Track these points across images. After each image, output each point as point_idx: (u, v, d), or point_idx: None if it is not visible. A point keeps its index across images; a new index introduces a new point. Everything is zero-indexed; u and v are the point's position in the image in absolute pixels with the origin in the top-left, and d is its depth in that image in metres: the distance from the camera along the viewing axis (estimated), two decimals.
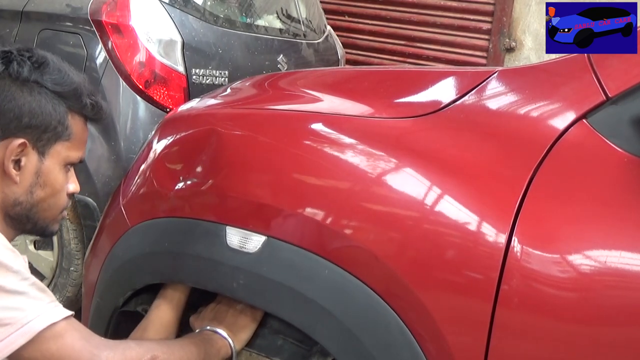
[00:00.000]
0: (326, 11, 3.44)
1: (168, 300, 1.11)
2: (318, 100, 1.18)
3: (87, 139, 0.99)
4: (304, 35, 2.80)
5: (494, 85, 0.98)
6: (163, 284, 1.15)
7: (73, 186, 0.99)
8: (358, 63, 4.41)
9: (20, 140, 0.88)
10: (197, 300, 1.16)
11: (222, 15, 2.28)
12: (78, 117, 0.95)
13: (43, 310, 0.82)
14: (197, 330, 1.07)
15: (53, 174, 0.92)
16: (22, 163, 0.89)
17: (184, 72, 2.03)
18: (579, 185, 0.79)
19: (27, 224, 0.94)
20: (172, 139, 1.19)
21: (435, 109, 0.96)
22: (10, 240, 0.94)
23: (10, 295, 0.80)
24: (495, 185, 0.83)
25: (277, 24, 2.64)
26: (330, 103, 1.13)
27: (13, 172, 0.88)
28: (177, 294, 1.12)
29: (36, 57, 0.91)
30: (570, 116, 0.84)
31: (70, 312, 0.86)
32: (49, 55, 0.93)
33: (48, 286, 2.12)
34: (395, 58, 4.36)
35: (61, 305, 0.86)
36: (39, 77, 0.89)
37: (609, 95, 0.82)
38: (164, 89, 2.00)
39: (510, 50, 4.01)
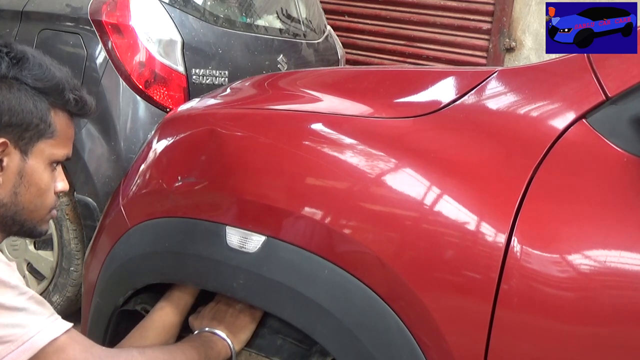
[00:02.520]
0: (326, 11, 3.44)
1: (174, 303, 1.10)
2: (318, 100, 1.18)
3: (73, 135, 0.95)
4: (304, 35, 2.80)
5: (493, 85, 0.98)
6: (169, 284, 1.14)
7: (61, 184, 0.94)
8: (358, 63, 4.41)
9: (1, 140, 0.84)
10: (197, 300, 1.16)
11: (222, 15, 2.29)
12: (62, 113, 0.91)
13: (44, 325, 0.81)
14: (196, 331, 1.07)
15: (37, 174, 0.88)
16: (4, 163, 0.85)
17: (183, 72, 2.03)
18: (578, 185, 0.79)
19: (14, 225, 0.90)
20: (171, 139, 1.19)
21: (435, 108, 0.96)
22: None
23: (10, 312, 0.79)
24: (495, 185, 0.83)
25: (277, 24, 2.64)
26: (330, 103, 1.13)
27: None
28: (184, 296, 1.11)
29: (15, 52, 0.87)
30: (570, 116, 0.84)
31: (69, 325, 0.84)
32: (29, 50, 0.89)
33: (48, 286, 2.13)
34: (395, 58, 4.36)
35: (60, 318, 0.84)
36: (18, 73, 0.85)
37: (609, 95, 0.82)
38: (164, 89, 2.00)
39: (510, 50, 4.02)
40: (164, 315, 1.09)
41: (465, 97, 0.96)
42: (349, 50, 4.10)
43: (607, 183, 0.79)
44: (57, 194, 0.95)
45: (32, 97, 0.86)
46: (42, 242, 2.17)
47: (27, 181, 0.87)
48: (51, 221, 1.02)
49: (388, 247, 0.85)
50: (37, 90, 0.87)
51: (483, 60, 4.08)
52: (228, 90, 1.41)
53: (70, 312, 2.08)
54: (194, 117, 1.22)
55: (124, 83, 1.95)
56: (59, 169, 0.95)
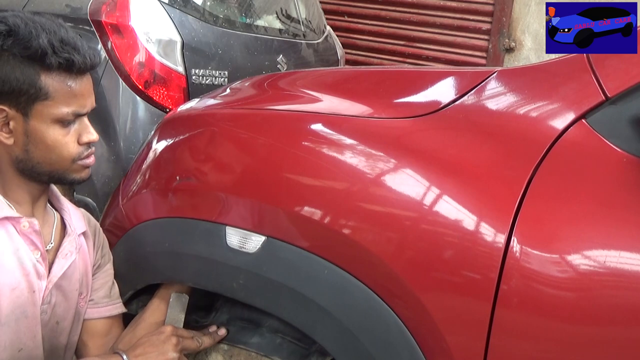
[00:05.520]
0: (326, 11, 3.44)
1: (166, 300, 1.11)
2: (317, 100, 1.18)
3: (80, 90, 0.97)
4: (304, 36, 2.80)
5: (493, 86, 0.98)
6: (160, 284, 1.15)
7: (86, 136, 0.99)
8: (358, 63, 4.41)
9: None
10: (199, 301, 1.16)
11: (221, 16, 2.28)
12: (56, 74, 0.94)
13: None
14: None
15: (41, 132, 0.94)
16: (11, 126, 0.93)
17: (183, 73, 2.03)
18: (578, 185, 0.79)
19: (41, 176, 0.97)
20: (171, 139, 1.19)
21: (435, 109, 0.96)
22: (44, 190, 1.01)
23: None
24: (494, 186, 0.83)
25: (277, 24, 2.64)
26: (329, 103, 1.13)
27: (4, 135, 0.93)
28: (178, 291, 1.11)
29: (6, 25, 0.92)
30: (569, 116, 0.84)
31: None
32: (21, 19, 0.92)
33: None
34: (394, 58, 4.36)
35: None
36: (7, 45, 0.91)
37: (608, 95, 0.82)
38: (164, 89, 2.00)
39: (509, 50, 4.02)
40: (157, 312, 1.10)
41: (465, 98, 0.97)
42: (348, 51, 4.10)
43: (606, 183, 0.79)
44: (86, 144, 1.00)
45: (19, 66, 0.91)
46: None
47: (33, 139, 0.94)
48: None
49: (388, 247, 0.86)
50: (26, 57, 0.91)
51: (483, 61, 4.08)
52: (228, 90, 1.41)
53: None
54: (194, 118, 1.22)
55: (123, 83, 1.95)
56: (84, 121, 0.99)
